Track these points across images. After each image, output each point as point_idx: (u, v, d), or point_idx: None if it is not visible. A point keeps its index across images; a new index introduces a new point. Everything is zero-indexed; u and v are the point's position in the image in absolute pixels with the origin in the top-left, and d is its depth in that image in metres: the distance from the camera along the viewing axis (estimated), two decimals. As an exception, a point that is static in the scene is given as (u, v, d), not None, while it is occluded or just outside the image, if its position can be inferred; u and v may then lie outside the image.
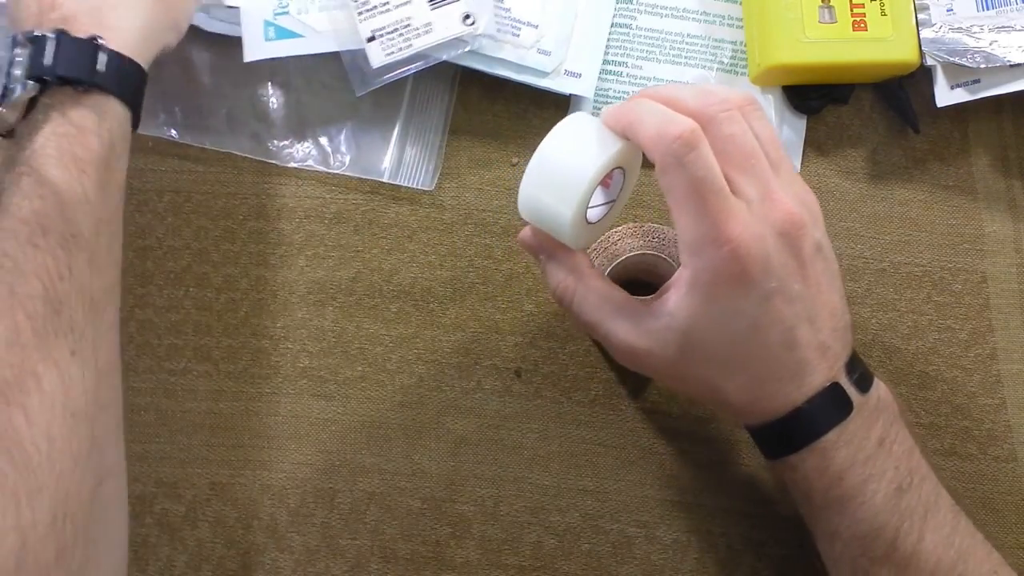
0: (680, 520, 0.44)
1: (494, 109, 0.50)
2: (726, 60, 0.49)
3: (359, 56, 0.45)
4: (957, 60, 0.45)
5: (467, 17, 0.44)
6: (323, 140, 0.49)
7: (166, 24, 0.41)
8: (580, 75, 0.48)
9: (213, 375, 0.46)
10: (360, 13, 0.45)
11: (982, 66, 0.45)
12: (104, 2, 0.37)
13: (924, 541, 0.34)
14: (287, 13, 0.46)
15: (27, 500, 0.29)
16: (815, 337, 0.34)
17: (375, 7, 0.43)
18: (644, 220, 0.47)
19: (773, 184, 0.33)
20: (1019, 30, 0.45)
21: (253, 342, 0.46)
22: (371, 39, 0.43)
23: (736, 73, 0.49)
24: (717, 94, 0.33)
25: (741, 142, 0.33)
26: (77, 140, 0.35)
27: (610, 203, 0.37)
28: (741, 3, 0.50)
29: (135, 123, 0.39)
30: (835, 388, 0.34)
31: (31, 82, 0.35)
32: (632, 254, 0.42)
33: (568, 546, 0.44)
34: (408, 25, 0.44)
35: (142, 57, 0.38)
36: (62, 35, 0.35)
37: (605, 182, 0.36)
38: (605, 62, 0.49)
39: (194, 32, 0.49)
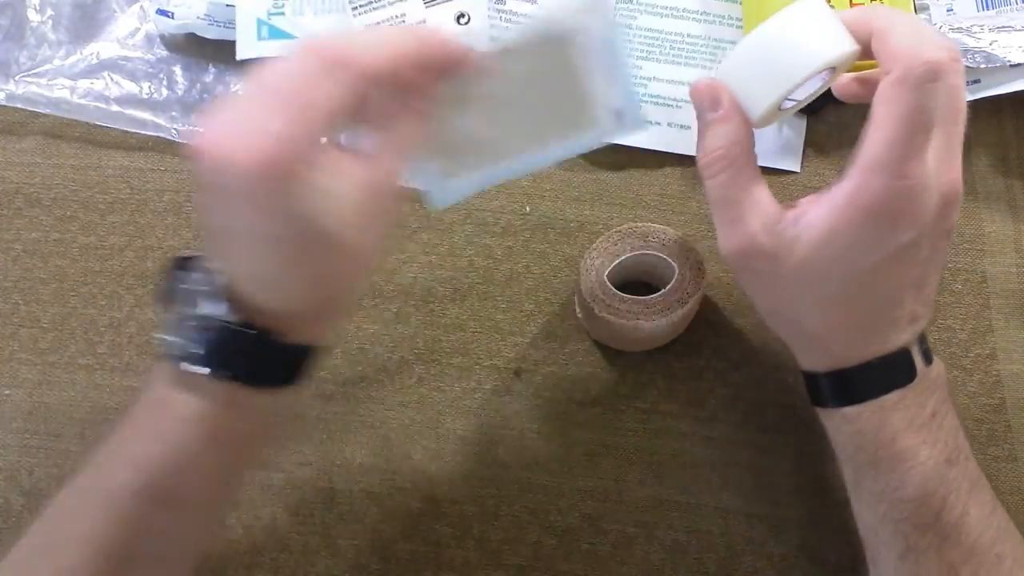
0: (680, 520, 0.44)
1: (494, 109, 0.50)
2: (726, 60, 0.49)
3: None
4: (957, 60, 0.45)
5: (461, 16, 0.44)
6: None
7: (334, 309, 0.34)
8: None
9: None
10: (355, 8, 0.45)
11: (982, 66, 0.45)
12: (281, 301, 0.31)
13: (968, 515, 0.34)
14: (282, 14, 0.46)
15: None
16: (914, 304, 0.35)
17: (369, 2, 0.43)
18: (644, 220, 0.47)
19: (958, 150, 0.33)
20: (1019, 30, 0.45)
21: (253, 342, 0.46)
22: None
23: (736, 73, 0.49)
24: (953, 44, 0.33)
25: (957, 98, 0.33)
26: (222, 417, 0.31)
27: (803, 99, 0.36)
28: (741, 3, 0.50)
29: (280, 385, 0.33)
30: (906, 354, 0.35)
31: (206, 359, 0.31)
32: (632, 254, 0.42)
33: (568, 546, 0.44)
34: (402, 22, 0.44)
35: (308, 342, 0.32)
36: (240, 336, 0.31)
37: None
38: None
39: (194, 35, 0.49)
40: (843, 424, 0.36)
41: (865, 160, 0.31)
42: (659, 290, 0.42)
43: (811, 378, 0.37)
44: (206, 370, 0.30)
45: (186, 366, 0.30)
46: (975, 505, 0.35)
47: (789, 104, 0.36)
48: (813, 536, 0.44)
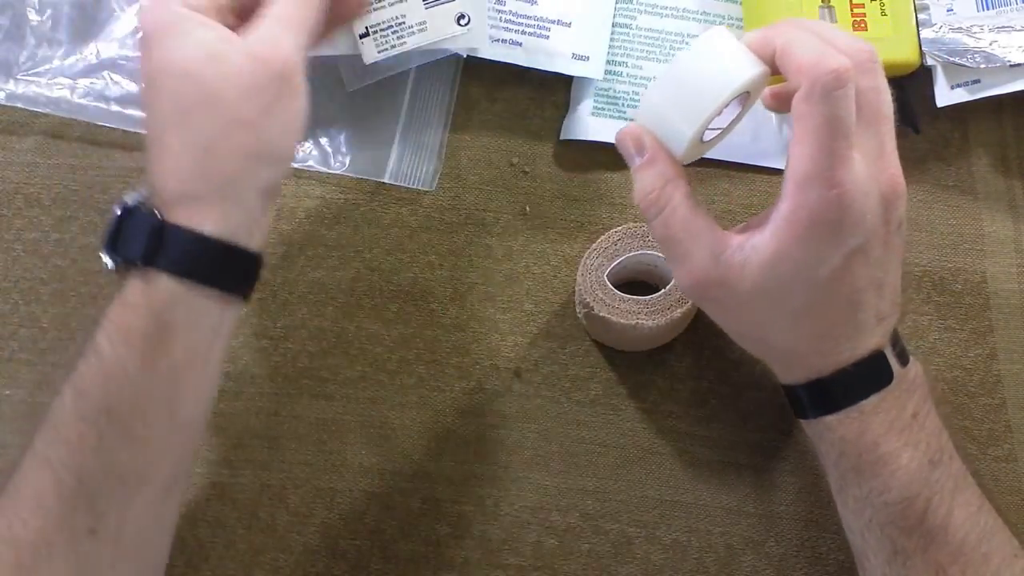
0: (680, 520, 0.44)
1: (494, 109, 0.50)
2: (726, 60, 0.49)
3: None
4: (957, 60, 0.45)
5: (462, 17, 0.44)
6: (323, 140, 0.49)
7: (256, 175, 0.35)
8: (588, 58, 0.48)
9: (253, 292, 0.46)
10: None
11: (982, 66, 0.45)
12: (189, 174, 0.33)
13: (953, 515, 0.34)
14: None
15: None
16: (878, 305, 0.34)
17: (370, 3, 0.43)
18: (644, 220, 0.47)
19: (889, 147, 0.34)
20: (1019, 30, 0.45)
21: (253, 342, 0.46)
22: (364, 35, 0.43)
23: (736, 73, 0.49)
24: (865, 43, 0.33)
25: (876, 98, 0.33)
26: (128, 312, 0.33)
27: (725, 127, 0.36)
28: (741, 3, 0.50)
29: (241, 293, 0.36)
30: (881, 356, 0.35)
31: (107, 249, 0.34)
32: (632, 254, 0.42)
33: (568, 546, 0.44)
34: (402, 23, 0.44)
35: (217, 226, 0.34)
36: (129, 212, 0.34)
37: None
38: (606, 62, 0.49)
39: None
40: (826, 432, 0.36)
41: (794, 177, 0.32)
42: (659, 290, 0.42)
43: (790, 391, 0.37)
44: (109, 260, 0.34)
45: (102, 257, 0.34)
46: (960, 505, 0.35)
47: (712, 134, 0.36)
48: (813, 536, 0.44)
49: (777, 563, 0.44)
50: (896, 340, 0.36)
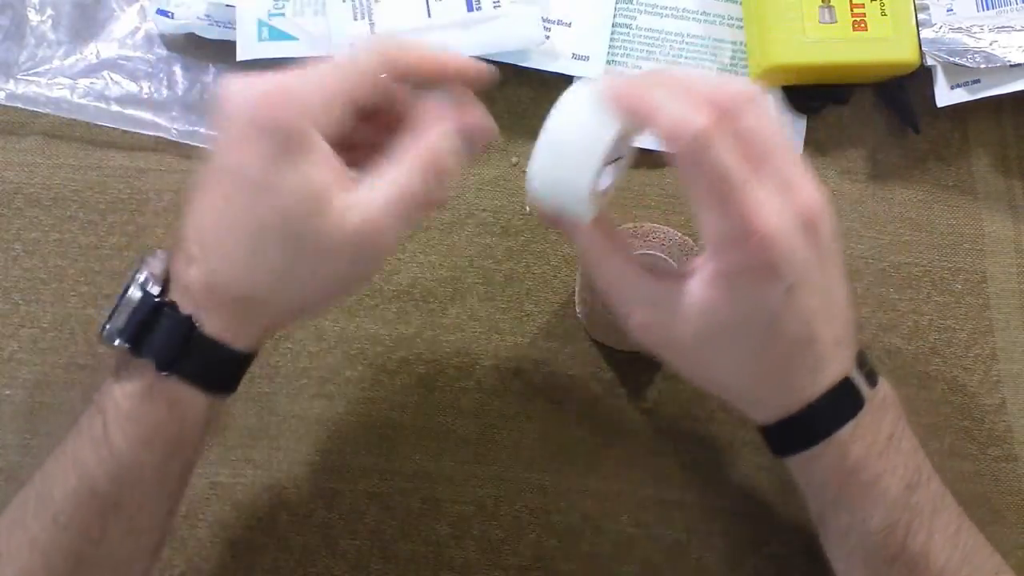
0: (680, 520, 0.44)
1: (494, 109, 0.49)
2: (726, 60, 0.49)
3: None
4: (957, 60, 0.45)
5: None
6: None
7: (287, 318, 0.34)
8: (588, 58, 0.48)
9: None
10: (354, 13, 0.45)
11: (982, 66, 0.45)
12: (228, 282, 0.31)
13: (933, 539, 0.34)
14: (283, 15, 0.46)
15: None
16: (831, 331, 0.33)
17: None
18: (644, 220, 0.47)
19: (795, 175, 0.32)
20: (1019, 30, 0.45)
21: (253, 342, 0.46)
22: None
23: (736, 73, 0.49)
24: (733, 84, 0.32)
25: (761, 134, 0.32)
26: (150, 415, 0.32)
27: (616, 161, 0.36)
28: (741, 3, 0.49)
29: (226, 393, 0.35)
30: (847, 383, 0.34)
31: (124, 342, 0.31)
32: (632, 254, 0.42)
33: (568, 546, 0.44)
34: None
35: (244, 342, 0.32)
36: (160, 312, 0.31)
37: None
38: (606, 62, 0.49)
39: (194, 35, 0.49)
40: (806, 466, 0.35)
41: (709, 240, 0.32)
42: None
43: (765, 431, 0.36)
44: (126, 345, 0.31)
45: (109, 343, 0.31)
46: (939, 528, 0.34)
47: (606, 178, 0.35)
48: (813, 536, 0.44)
49: (777, 563, 0.44)
50: (863, 361, 0.35)
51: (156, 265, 0.32)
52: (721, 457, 0.45)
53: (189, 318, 0.31)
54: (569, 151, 0.33)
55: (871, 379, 0.35)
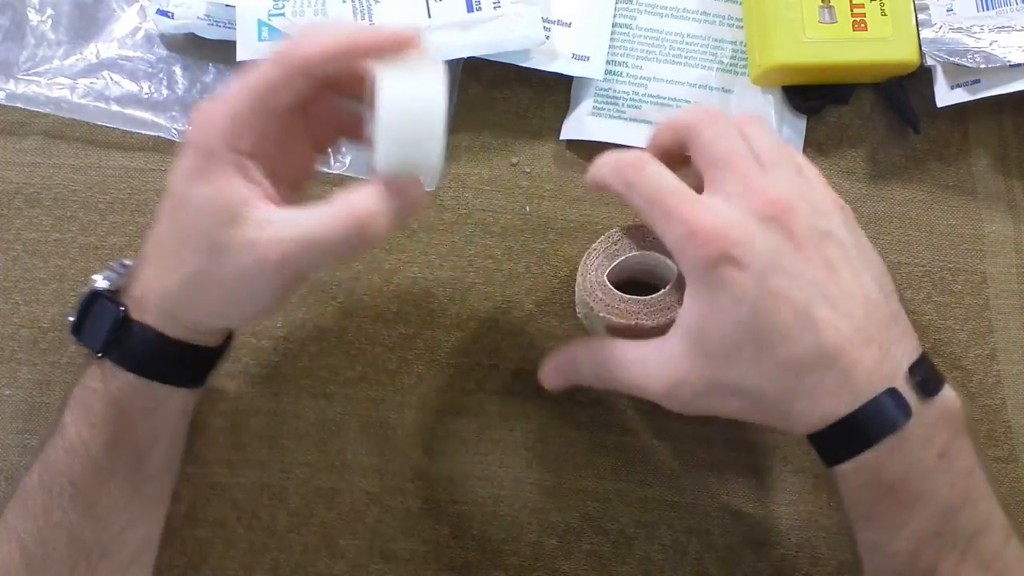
0: (680, 520, 0.44)
1: (494, 109, 0.50)
2: (726, 60, 0.49)
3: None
4: (957, 60, 0.45)
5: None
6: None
7: (211, 307, 0.35)
8: (588, 58, 0.48)
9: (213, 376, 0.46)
10: (356, 12, 0.45)
11: (982, 66, 0.45)
12: (152, 282, 0.35)
13: (965, 563, 0.32)
14: (283, 15, 0.46)
15: None
16: (844, 321, 0.32)
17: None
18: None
19: (754, 178, 0.33)
20: (1019, 30, 0.45)
21: (253, 342, 0.46)
22: None
23: (736, 73, 0.49)
24: (705, 107, 0.37)
25: (721, 144, 0.34)
26: (89, 395, 0.35)
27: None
28: (741, 3, 0.49)
29: (198, 383, 0.38)
30: (891, 392, 0.32)
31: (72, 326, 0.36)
32: (632, 254, 0.42)
33: (568, 546, 0.44)
34: None
35: (171, 327, 0.35)
36: (97, 299, 0.36)
37: None
38: (606, 62, 0.49)
39: (194, 35, 0.49)
40: (840, 480, 0.34)
41: (675, 253, 0.34)
42: (659, 290, 0.42)
43: (810, 442, 0.35)
44: (72, 337, 0.36)
45: (69, 335, 0.36)
46: (975, 553, 0.32)
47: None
48: (813, 537, 0.44)
49: (777, 563, 0.44)
50: (919, 367, 0.32)
51: (118, 268, 0.37)
52: (721, 457, 0.45)
53: (121, 307, 0.35)
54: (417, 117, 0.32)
55: (928, 388, 0.32)
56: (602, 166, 0.37)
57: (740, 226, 0.32)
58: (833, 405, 0.32)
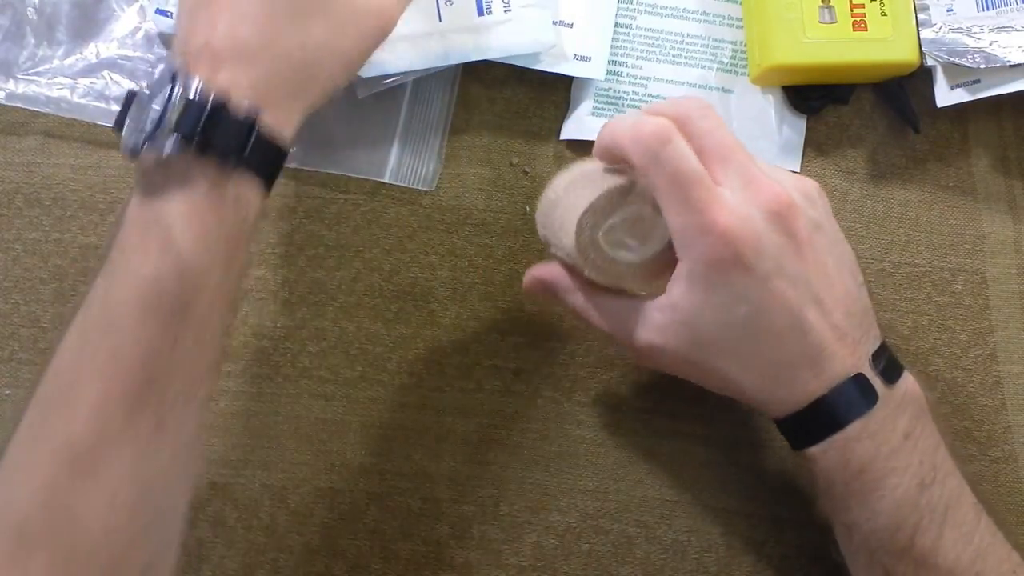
0: (680, 520, 0.44)
1: (494, 109, 0.50)
2: (726, 60, 0.49)
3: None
4: (957, 60, 0.45)
5: None
6: (324, 140, 0.49)
7: (319, 97, 0.36)
8: (590, 58, 0.48)
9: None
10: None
11: (982, 66, 0.45)
12: (269, 74, 0.33)
13: (943, 538, 0.34)
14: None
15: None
16: (826, 320, 0.33)
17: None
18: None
19: (754, 171, 0.33)
20: (1019, 30, 0.45)
21: (253, 342, 0.46)
22: None
23: (736, 73, 0.49)
24: (686, 100, 0.35)
25: (718, 135, 0.34)
26: (213, 213, 0.32)
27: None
28: (741, 3, 0.49)
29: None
30: (858, 378, 0.34)
31: (179, 138, 0.31)
32: (627, 212, 0.39)
33: (568, 546, 0.44)
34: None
35: (289, 137, 0.34)
36: (222, 110, 0.31)
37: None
38: (607, 62, 0.49)
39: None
40: (811, 463, 0.36)
41: (676, 240, 0.33)
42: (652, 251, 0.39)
43: (777, 425, 0.37)
44: (173, 138, 0.31)
45: (148, 148, 0.31)
46: (951, 527, 0.34)
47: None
48: (813, 537, 0.44)
49: (777, 563, 0.44)
50: (880, 355, 0.35)
51: (189, 77, 0.32)
52: (721, 457, 0.45)
53: (250, 110, 0.32)
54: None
55: (889, 375, 0.34)
56: (620, 134, 0.34)
57: (751, 226, 0.32)
58: (807, 393, 0.34)
